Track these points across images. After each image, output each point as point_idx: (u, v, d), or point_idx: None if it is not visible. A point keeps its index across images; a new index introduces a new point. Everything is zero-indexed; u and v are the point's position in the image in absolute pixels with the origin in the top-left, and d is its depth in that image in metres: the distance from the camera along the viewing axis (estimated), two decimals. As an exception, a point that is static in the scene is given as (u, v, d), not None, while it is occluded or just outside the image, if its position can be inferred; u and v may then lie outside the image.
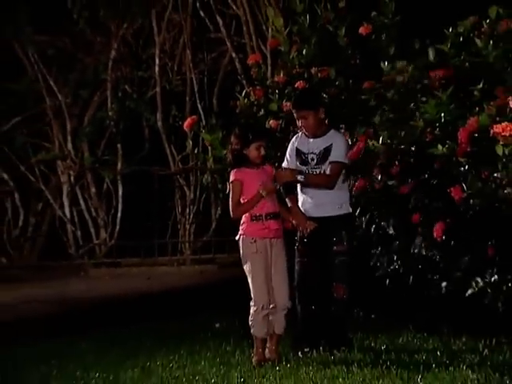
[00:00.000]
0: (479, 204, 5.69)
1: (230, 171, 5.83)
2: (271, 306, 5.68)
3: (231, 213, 5.77)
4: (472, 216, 5.82)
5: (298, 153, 6.00)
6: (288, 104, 7.15)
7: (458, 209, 5.86)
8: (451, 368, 5.20)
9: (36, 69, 13.85)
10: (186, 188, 13.32)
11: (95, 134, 13.83)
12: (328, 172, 5.88)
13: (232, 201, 5.74)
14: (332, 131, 6.02)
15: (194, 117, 8.38)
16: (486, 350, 5.66)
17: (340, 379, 5.12)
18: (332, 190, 5.87)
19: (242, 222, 5.77)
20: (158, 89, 13.09)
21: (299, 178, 5.83)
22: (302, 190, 6.00)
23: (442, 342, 6.04)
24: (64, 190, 14.10)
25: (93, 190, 14.02)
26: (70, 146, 13.96)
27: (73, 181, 14.09)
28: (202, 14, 12.08)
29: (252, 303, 5.70)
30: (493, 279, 5.67)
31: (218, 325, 7.52)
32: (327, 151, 5.88)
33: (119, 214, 13.75)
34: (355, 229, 6.33)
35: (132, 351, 6.55)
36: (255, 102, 7.55)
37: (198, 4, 11.94)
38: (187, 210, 13.28)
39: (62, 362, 6.27)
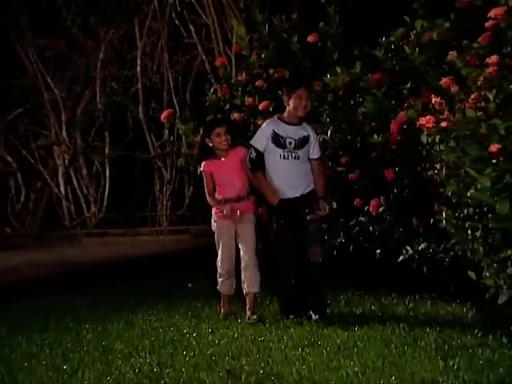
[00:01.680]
0: (408, 184, 5.75)
1: (200, 163, 5.72)
2: (242, 264, 5.61)
3: (207, 199, 5.69)
4: (402, 194, 5.88)
5: (276, 135, 5.49)
6: (250, 99, 7.17)
7: (390, 188, 5.92)
8: (382, 318, 5.30)
9: (35, 67, 13.74)
10: (163, 170, 13.32)
11: (86, 123, 13.79)
12: (315, 168, 5.56)
13: (206, 189, 5.66)
14: (305, 123, 5.61)
15: (170, 109, 8.34)
16: (411, 304, 5.74)
17: (291, 329, 5.18)
18: (305, 176, 5.55)
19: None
20: (139, 85, 13.05)
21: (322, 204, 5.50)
22: (277, 174, 5.53)
23: (376, 298, 6.07)
24: (59, 171, 14.03)
25: (84, 171, 13.98)
26: (64, 133, 13.89)
27: (67, 163, 14.02)
28: (177, 22, 12.03)
29: (219, 267, 5.73)
30: (420, 248, 5.68)
31: (190, 285, 7.53)
32: (305, 140, 5.50)
33: (107, 192, 13.73)
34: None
35: (117, 307, 6.54)
36: (222, 98, 7.53)
37: (173, 14, 11.88)
38: (164, 188, 13.30)
39: (58, 315, 6.24)
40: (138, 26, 12.85)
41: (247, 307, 5.61)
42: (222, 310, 5.81)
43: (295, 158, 5.49)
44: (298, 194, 5.52)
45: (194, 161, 7.48)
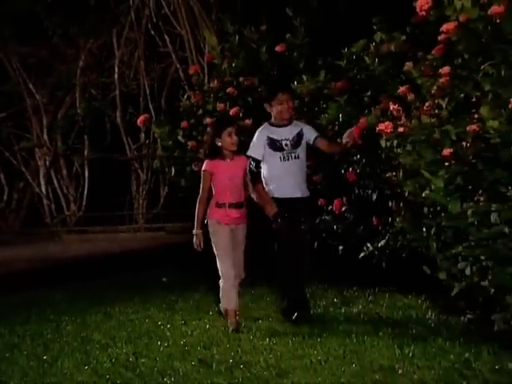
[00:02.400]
0: (368, 185, 5.77)
1: (203, 161, 5.18)
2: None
3: (198, 199, 5.11)
4: (363, 194, 5.90)
5: (272, 141, 5.21)
6: (221, 105, 7.15)
7: (352, 189, 5.94)
8: (344, 310, 5.32)
9: (18, 74, 13.61)
10: (139, 171, 13.27)
11: (67, 127, 13.70)
12: (325, 143, 5.31)
13: (202, 188, 5.10)
14: (294, 121, 5.36)
15: (146, 114, 8.30)
16: (371, 297, 5.78)
17: (260, 321, 5.17)
18: (304, 172, 5.29)
19: (210, 205, 5.14)
20: (117, 92, 12.97)
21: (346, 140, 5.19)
22: (278, 177, 5.20)
23: (338, 291, 6.10)
24: (41, 172, 13.91)
25: (64, 171, 13.88)
26: (45, 136, 13.77)
27: (48, 164, 13.89)
28: (153, 32, 11.97)
29: (221, 278, 5.07)
30: (379, 244, 5.69)
31: (165, 279, 7.50)
32: (300, 136, 5.25)
33: (86, 191, 13.64)
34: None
35: (96, 300, 6.49)
36: (195, 104, 7.50)
37: (149, 25, 11.82)
38: (141, 188, 13.25)
39: (39, 308, 6.18)
40: (116, 36, 12.78)
41: (230, 320, 5.06)
42: (232, 326, 4.99)
43: (295, 157, 5.22)
44: (299, 195, 5.22)
45: (169, 162, 7.46)
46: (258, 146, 5.24)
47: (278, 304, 5.45)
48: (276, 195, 5.19)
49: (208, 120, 7.17)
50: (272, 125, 5.30)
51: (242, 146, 5.29)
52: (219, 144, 5.07)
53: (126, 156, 13.25)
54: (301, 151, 5.25)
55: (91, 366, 4.34)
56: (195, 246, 5.08)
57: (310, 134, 5.32)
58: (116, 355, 4.54)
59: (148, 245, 11.08)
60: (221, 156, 5.10)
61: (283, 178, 5.18)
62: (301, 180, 5.25)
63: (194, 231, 5.08)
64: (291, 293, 5.20)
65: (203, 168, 5.12)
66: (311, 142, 5.31)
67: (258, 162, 5.23)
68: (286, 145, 5.22)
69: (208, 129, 5.30)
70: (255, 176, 5.20)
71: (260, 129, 5.34)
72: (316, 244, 6.28)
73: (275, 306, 5.60)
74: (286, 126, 5.27)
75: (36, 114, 13.79)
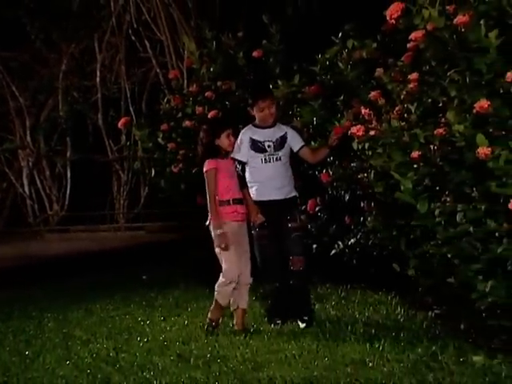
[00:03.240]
0: (341, 186, 5.80)
1: (203, 163, 4.91)
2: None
3: (209, 200, 4.86)
4: (336, 195, 5.92)
5: (254, 142, 5.02)
6: (200, 108, 7.15)
7: (326, 189, 5.96)
8: (318, 306, 5.35)
9: (2, 77, 13.46)
10: (120, 172, 13.22)
11: (49, 129, 13.58)
12: (310, 153, 5.13)
13: (210, 190, 4.85)
14: (278, 123, 5.16)
15: (127, 117, 8.26)
16: (343, 293, 5.81)
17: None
18: (288, 179, 5.07)
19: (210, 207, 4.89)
20: (99, 95, 12.91)
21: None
22: (259, 179, 5.03)
23: (312, 288, 6.09)
24: (24, 173, 13.80)
25: (47, 172, 13.78)
26: (28, 138, 13.67)
27: (31, 165, 13.79)
28: (133, 38, 11.92)
29: (222, 275, 4.82)
30: (350, 243, 5.70)
31: (144, 277, 7.48)
32: (283, 139, 5.03)
33: (68, 192, 13.55)
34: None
35: (77, 297, 6.47)
36: (174, 107, 7.49)
37: (130, 30, 11.77)
38: (122, 188, 13.20)
39: (22, 305, 6.15)
40: (97, 40, 12.72)
41: (237, 320, 4.89)
42: (212, 315, 4.86)
43: (277, 159, 5.02)
44: (282, 197, 5.02)
45: (150, 163, 7.44)
46: (241, 147, 5.06)
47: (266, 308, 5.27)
48: (258, 198, 5.01)
49: (187, 123, 7.17)
50: (255, 126, 5.12)
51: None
52: (218, 144, 4.89)
53: (108, 157, 13.20)
54: (283, 154, 5.05)
55: (72, 361, 4.32)
56: (222, 246, 4.80)
57: (294, 141, 5.11)
58: (97, 350, 4.53)
59: (128, 243, 11.04)
60: (220, 156, 4.91)
61: (265, 180, 5.01)
62: (284, 182, 5.03)
63: (218, 231, 4.80)
64: (274, 301, 5.08)
65: (207, 168, 4.87)
66: (295, 151, 5.11)
67: (243, 165, 5.07)
68: (269, 146, 5.02)
69: (202, 132, 5.02)
70: (241, 179, 5.03)
71: (243, 130, 5.16)
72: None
73: (251, 301, 5.60)
74: (269, 127, 5.08)
75: (19, 117, 13.68)
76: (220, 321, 4.88)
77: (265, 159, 5.02)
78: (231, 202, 4.86)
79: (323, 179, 5.76)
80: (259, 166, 5.02)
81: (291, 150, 5.14)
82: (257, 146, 5.03)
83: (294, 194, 5.09)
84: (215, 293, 4.85)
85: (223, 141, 4.88)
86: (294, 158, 5.65)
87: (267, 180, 5.00)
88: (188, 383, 3.78)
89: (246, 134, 5.09)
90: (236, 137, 5.01)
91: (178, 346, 4.51)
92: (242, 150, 5.05)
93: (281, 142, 5.04)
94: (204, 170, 4.89)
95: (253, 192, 5.04)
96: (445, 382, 3.50)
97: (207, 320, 4.85)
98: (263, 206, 4.99)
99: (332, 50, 5.93)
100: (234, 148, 4.95)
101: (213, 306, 4.87)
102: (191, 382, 3.79)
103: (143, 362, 4.20)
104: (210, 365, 4.04)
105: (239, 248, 4.84)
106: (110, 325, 5.26)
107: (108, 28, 12.40)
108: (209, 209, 4.87)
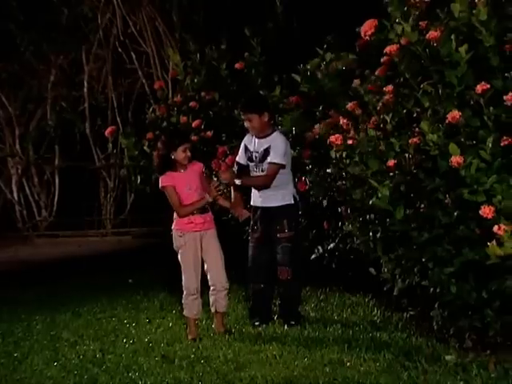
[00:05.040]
0: (318, 193, 5.80)
1: (160, 174, 4.83)
2: (212, 287, 4.78)
3: (178, 214, 4.75)
4: (315, 201, 5.91)
5: (247, 150, 5.02)
6: (184, 118, 7.14)
7: (305, 196, 5.95)
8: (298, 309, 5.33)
9: (-9, 88, 13.35)
10: (107, 179, 13.16)
11: (38, 138, 13.50)
12: (265, 172, 4.93)
13: (174, 204, 4.72)
14: (275, 133, 4.98)
15: (113, 126, 8.24)
16: (322, 296, 5.81)
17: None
18: (276, 188, 4.90)
19: (174, 217, 4.82)
20: (86, 105, 12.84)
21: (237, 182, 4.90)
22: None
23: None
24: (13, 180, 13.67)
25: (36, 179, 13.68)
26: (18, 146, 13.54)
27: (20, 173, 13.67)
28: (120, 50, 11.89)
29: (186, 286, 4.75)
30: (329, 247, 5.70)
31: (130, 280, 7.43)
32: (266, 152, 4.90)
33: (56, 198, 13.46)
34: (298, 216, 5.20)
35: (65, 300, 6.41)
36: (160, 116, 7.48)
37: (117, 43, 11.75)
38: (108, 195, 13.14)
39: (11, 307, 6.08)
40: (85, 52, 12.65)
41: (217, 323, 4.84)
42: (189, 335, 4.74)
43: (262, 170, 4.95)
44: (270, 205, 4.93)
45: (136, 171, 7.42)
46: (240, 152, 5.09)
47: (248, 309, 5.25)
48: (251, 203, 5.06)
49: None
50: (253, 134, 5.01)
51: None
52: (173, 157, 4.74)
53: (95, 165, 13.13)
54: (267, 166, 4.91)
55: (60, 362, 4.28)
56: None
57: (271, 154, 4.90)
58: (84, 352, 4.49)
59: (115, 248, 10.96)
60: (174, 168, 4.77)
61: (254, 190, 5.02)
62: (267, 192, 4.91)
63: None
64: (256, 301, 5.04)
65: (162, 184, 4.75)
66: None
67: (240, 167, 5.05)
68: (256, 157, 4.97)
69: (160, 143, 4.85)
70: (235, 177, 4.97)
71: (246, 136, 5.12)
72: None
73: (233, 303, 5.59)
74: (263, 137, 4.94)
75: (8, 126, 13.55)
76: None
77: (253, 168, 5.02)
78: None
79: (300, 188, 5.72)
80: (251, 172, 5.04)
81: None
82: (248, 155, 5.03)
83: (283, 203, 4.94)
84: (184, 309, 4.77)
85: (179, 154, 4.71)
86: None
87: (256, 190, 5.01)
88: (172, 383, 3.76)
89: (244, 141, 5.11)
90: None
91: (162, 348, 4.49)
92: (240, 154, 5.10)
93: (263, 155, 4.94)
94: (160, 185, 4.77)
95: (251, 196, 5.08)
96: (419, 380, 3.51)
97: (189, 338, 4.68)
98: (255, 211, 5.02)
99: (314, 61, 5.95)
100: (188, 160, 4.76)
101: (187, 322, 4.79)
102: (175, 382, 3.77)
103: (129, 362, 4.18)
104: (193, 365, 4.02)
105: (207, 256, 4.77)
106: (96, 327, 5.22)
107: (95, 40, 12.35)
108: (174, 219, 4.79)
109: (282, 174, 4.93)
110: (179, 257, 4.77)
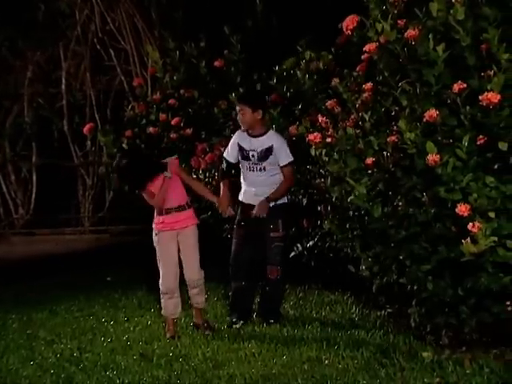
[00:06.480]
0: (298, 190, 5.82)
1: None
2: (187, 281, 4.83)
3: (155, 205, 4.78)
4: (294, 199, 5.92)
5: (240, 148, 4.92)
6: (163, 116, 7.12)
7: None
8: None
9: (-33, 84, 13.20)
10: (86, 177, 13.07)
11: (15, 135, 13.38)
12: (283, 176, 4.88)
13: (151, 200, 4.78)
14: (270, 132, 4.94)
15: (92, 123, 8.21)
16: (301, 294, 5.82)
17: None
18: (269, 184, 4.88)
19: (154, 218, 4.83)
20: (64, 102, 12.75)
21: (270, 205, 4.83)
22: (245, 183, 5.02)
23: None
24: (-11, 178, 13.54)
25: (13, 177, 13.54)
26: (-6, 143, 13.41)
27: (-4, 170, 13.54)
28: (98, 47, 11.83)
29: (161, 284, 4.78)
30: (308, 245, 5.73)
31: (109, 278, 7.39)
32: (268, 151, 4.82)
33: (33, 196, 13.34)
34: (290, 217, 5.18)
35: (42, 298, 6.36)
36: (139, 114, 7.47)
37: (95, 39, 11.69)
38: (87, 193, 13.06)
39: (-14, 307, 6.02)
40: (62, 48, 12.56)
41: (196, 315, 4.89)
42: (168, 333, 4.75)
43: (260, 169, 4.89)
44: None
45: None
46: (230, 150, 4.99)
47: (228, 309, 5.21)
48: (241, 199, 5.02)
49: (151, 129, 7.15)
50: (246, 132, 4.92)
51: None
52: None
53: (73, 163, 13.05)
54: (268, 164, 4.87)
55: (36, 361, 4.25)
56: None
57: (280, 157, 4.86)
58: (61, 351, 4.47)
59: (93, 246, 10.89)
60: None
61: (248, 185, 4.97)
62: (264, 191, 4.88)
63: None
64: (237, 299, 5.01)
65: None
66: (280, 166, 4.88)
67: (228, 164, 5.00)
68: (253, 156, 4.87)
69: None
70: (222, 175, 5.02)
71: (236, 134, 5.03)
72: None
73: (212, 301, 5.59)
74: (258, 136, 4.87)
75: (-16, 123, 13.42)
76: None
77: (249, 167, 4.94)
78: (163, 212, 4.75)
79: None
80: (245, 171, 4.98)
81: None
82: (242, 154, 4.93)
83: (279, 202, 4.93)
84: (162, 309, 4.77)
85: (149, 190, 4.72)
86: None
87: (248, 186, 4.97)
88: (150, 382, 3.76)
89: (235, 139, 4.98)
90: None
91: (140, 346, 4.48)
92: (230, 151, 5.00)
93: (265, 155, 4.86)
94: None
95: (241, 191, 5.04)
96: (396, 377, 3.54)
97: (168, 336, 4.69)
98: (245, 207, 4.97)
99: (288, 61, 5.97)
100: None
101: (165, 321, 4.79)
102: (153, 380, 3.76)
103: (106, 361, 4.16)
104: (171, 363, 4.02)
105: (183, 253, 4.77)
106: (74, 325, 5.19)
107: (73, 37, 12.28)
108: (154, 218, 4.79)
109: (278, 173, 4.92)
110: (156, 255, 4.80)
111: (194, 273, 4.81)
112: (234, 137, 5.03)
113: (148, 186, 4.76)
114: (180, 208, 4.80)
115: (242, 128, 4.93)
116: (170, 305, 4.74)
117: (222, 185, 5.04)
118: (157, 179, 4.77)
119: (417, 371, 3.59)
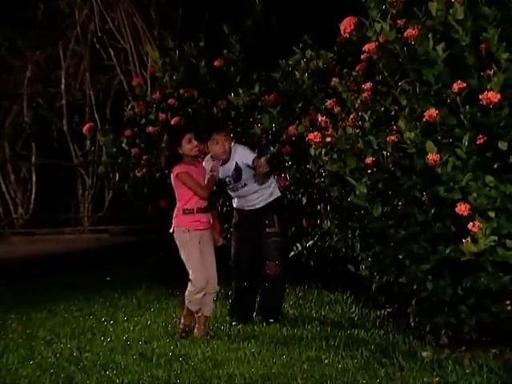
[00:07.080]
0: (298, 190, 5.82)
1: (170, 171, 4.69)
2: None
3: (201, 195, 4.64)
4: (293, 198, 5.94)
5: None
6: (163, 115, 7.12)
7: (283, 193, 5.96)
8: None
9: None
10: (85, 176, 13.09)
11: (14, 135, 13.37)
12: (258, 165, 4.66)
13: (194, 187, 4.61)
14: (233, 147, 4.84)
15: (91, 123, 8.20)
16: (300, 293, 5.82)
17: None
18: (262, 190, 4.88)
19: (174, 215, 4.72)
20: (64, 101, 12.75)
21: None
22: (235, 197, 5.00)
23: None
24: (-11, 177, 13.54)
25: (12, 177, 13.57)
26: (-6, 143, 13.42)
27: (-4, 170, 13.54)
28: (98, 46, 11.84)
29: (190, 284, 4.62)
30: (308, 244, 5.73)
31: (108, 278, 7.40)
32: (237, 170, 4.78)
33: (33, 196, 13.35)
34: (285, 212, 5.14)
35: (42, 298, 6.36)
36: (138, 113, 7.46)
37: (95, 39, 11.69)
38: (86, 192, 13.08)
39: (-14, 306, 6.02)
40: (62, 48, 12.57)
41: (199, 326, 4.72)
42: (199, 332, 4.65)
43: (242, 186, 4.86)
44: (257, 207, 4.91)
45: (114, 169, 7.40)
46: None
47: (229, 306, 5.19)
48: (236, 206, 5.02)
49: (151, 129, 7.14)
50: (221, 159, 4.79)
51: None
52: (180, 152, 4.64)
53: (72, 162, 13.05)
54: (246, 179, 4.83)
55: (36, 361, 4.25)
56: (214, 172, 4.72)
57: (246, 159, 4.76)
58: (60, 350, 4.46)
59: (93, 246, 10.91)
60: (184, 162, 4.66)
61: (239, 198, 4.96)
62: (257, 197, 4.89)
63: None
64: (238, 300, 5.00)
65: (179, 171, 4.62)
66: (252, 166, 4.74)
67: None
68: (230, 181, 4.86)
69: (165, 140, 4.77)
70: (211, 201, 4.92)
71: (206, 158, 4.86)
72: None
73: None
74: (225, 163, 4.80)
75: (-16, 123, 13.43)
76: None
77: (232, 188, 4.92)
78: (195, 211, 4.67)
79: (281, 184, 5.74)
80: (231, 192, 4.97)
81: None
82: (220, 183, 4.88)
83: (272, 198, 4.94)
84: (186, 301, 4.67)
85: (185, 147, 4.62)
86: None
87: (239, 198, 4.96)
88: (150, 381, 3.75)
89: (206, 165, 4.82)
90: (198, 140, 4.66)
91: (140, 345, 4.47)
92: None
93: (237, 175, 4.82)
94: (175, 173, 4.64)
95: (233, 201, 5.04)
96: (395, 376, 3.54)
97: (181, 326, 4.70)
98: (240, 213, 4.97)
99: (294, 57, 5.98)
100: (197, 151, 4.66)
101: (185, 312, 4.73)
102: (153, 380, 3.76)
103: (106, 361, 4.16)
104: (171, 363, 4.01)
105: (203, 256, 4.69)
106: (73, 325, 5.19)
107: (73, 36, 12.28)
108: (174, 214, 4.71)
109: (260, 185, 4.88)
110: (184, 254, 4.68)
111: (214, 278, 4.73)
112: (205, 163, 4.84)
113: (185, 167, 4.63)
114: (207, 209, 4.76)
115: (218, 160, 4.78)
116: (201, 300, 4.65)
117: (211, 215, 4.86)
118: (198, 165, 4.72)
119: (416, 371, 3.59)
